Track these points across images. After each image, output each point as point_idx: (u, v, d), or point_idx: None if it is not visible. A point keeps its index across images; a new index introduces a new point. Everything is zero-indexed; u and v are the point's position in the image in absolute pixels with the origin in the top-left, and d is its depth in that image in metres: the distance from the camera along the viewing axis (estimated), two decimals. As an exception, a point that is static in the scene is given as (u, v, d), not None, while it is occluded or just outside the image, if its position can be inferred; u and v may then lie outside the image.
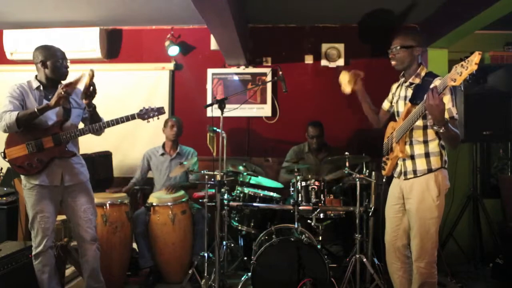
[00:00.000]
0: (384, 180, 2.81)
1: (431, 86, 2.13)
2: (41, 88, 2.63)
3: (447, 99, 2.23)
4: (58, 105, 2.50)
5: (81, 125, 2.81)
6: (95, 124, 2.66)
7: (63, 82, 2.61)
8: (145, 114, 2.74)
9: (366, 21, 4.19)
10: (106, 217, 3.17)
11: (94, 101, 2.66)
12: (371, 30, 4.30)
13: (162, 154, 3.84)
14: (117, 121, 2.66)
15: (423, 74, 2.37)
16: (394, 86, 2.64)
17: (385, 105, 2.69)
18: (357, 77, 2.67)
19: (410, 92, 2.41)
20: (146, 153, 3.90)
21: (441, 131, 2.14)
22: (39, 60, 2.60)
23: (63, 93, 2.44)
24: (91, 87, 2.53)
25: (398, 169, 2.49)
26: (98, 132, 2.69)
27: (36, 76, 2.67)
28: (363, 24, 4.28)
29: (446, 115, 2.21)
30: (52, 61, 2.59)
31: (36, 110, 2.46)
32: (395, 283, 2.57)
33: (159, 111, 2.78)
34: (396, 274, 2.54)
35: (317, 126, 3.86)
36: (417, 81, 2.37)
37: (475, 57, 1.80)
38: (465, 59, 1.85)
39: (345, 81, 2.67)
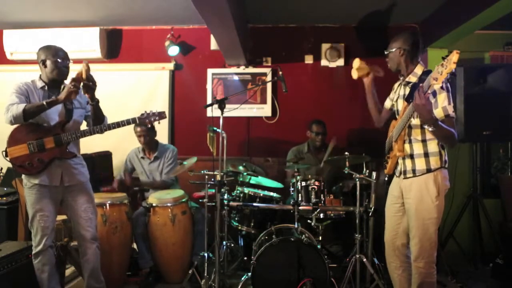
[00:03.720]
0: (386, 179, 2.80)
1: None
2: (46, 88, 2.64)
3: (442, 97, 2.24)
4: (68, 99, 2.51)
5: (83, 126, 2.82)
6: (96, 126, 2.66)
7: (66, 82, 2.61)
8: (146, 119, 2.74)
9: (365, 21, 4.20)
10: (106, 217, 3.17)
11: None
12: (371, 30, 4.30)
13: (143, 158, 3.81)
14: (118, 124, 2.66)
15: (419, 73, 2.38)
16: (396, 84, 2.65)
17: (387, 103, 2.71)
18: (373, 71, 2.73)
19: (407, 90, 2.42)
20: (129, 155, 3.87)
21: (430, 129, 2.17)
22: (40, 60, 2.61)
23: (72, 87, 2.45)
24: (89, 80, 2.51)
25: (398, 168, 2.50)
26: (99, 133, 2.69)
27: (40, 76, 2.68)
28: (362, 24, 4.29)
29: (442, 113, 2.23)
30: (52, 60, 2.59)
31: (45, 103, 2.47)
32: (395, 282, 2.58)
33: (160, 115, 2.78)
34: (395, 273, 2.54)
35: (321, 123, 3.89)
36: (414, 79, 2.38)
37: (453, 56, 1.85)
38: (445, 58, 1.90)
39: (356, 66, 2.74)
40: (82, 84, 2.51)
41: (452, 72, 1.89)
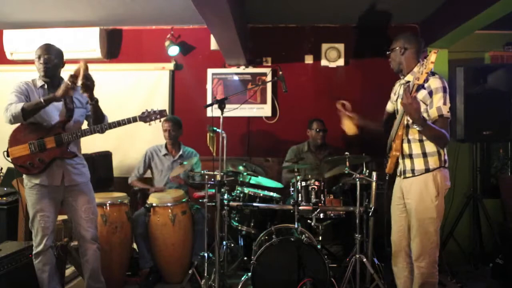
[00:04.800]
0: (386, 178, 2.80)
1: (426, 85, 2.23)
2: (45, 86, 2.64)
3: (438, 97, 2.25)
4: (65, 95, 2.50)
5: (84, 125, 2.81)
6: (97, 125, 2.66)
7: (65, 78, 2.60)
8: (147, 117, 2.73)
9: (365, 21, 4.20)
10: (106, 217, 3.17)
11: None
12: (370, 30, 4.30)
13: (165, 155, 3.83)
14: (118, 123, 2.66)
15: (416, 71, 2.38)
16: (396, 85, 2.66)
17: (389, 107, 2.72)
18: (349, 113, 2.74)
19: None
20: (148, 151, 3.89)
21: (418, 129, 2.20)
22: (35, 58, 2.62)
23: (70, 84, 2.44)
24: (86, 79, 2.49)
25: (399, 168, 2.50)
26: (99, 132, 2.69)
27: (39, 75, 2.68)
28: (362, 24, 4.29)
29: (435, 113, 2.25)
30: (36, 60, 2.60)
31: (42, 100, 2.46)
32: (400, 283, 2.56)
33: (161, 114, 2.77)
34: (402, 274, 2.53)
35: (321, 121, 3.90)
36: (411, 78, 2.38)
37: (431, 56, 1.94)
38: (425, 59, 1.98)
39: (350, 127, 2.77)
40: (80, 83, 2.50)
41: (431, 71, 1.98)
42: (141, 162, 3.88)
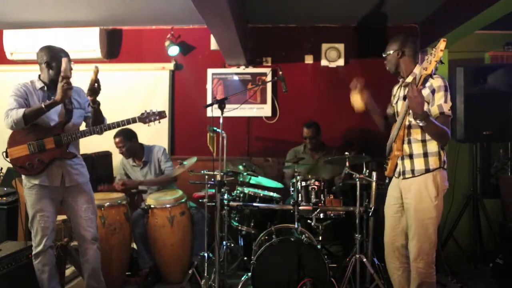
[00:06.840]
0: (387, 181, 2.80)
1: (427, 84, 2.23)
2: (45, 88, 2.63)
3: (439, 95, 2.26)
4: (66, 98, 2.49)
5: (82, 126, 2.81)
6: (96, 126, 2.66)
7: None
8: (146, 118, 2.73)
9: (365, 21, 4.20)
10: (104, 218, 3.16)
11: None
12: (371, 30, 4.31)
13: (134, 165, 3.78)
14: (118, 124, 2.66)
15: (417, 72, 2.38)
16: (395, 88, 2.66)
17: (390, 110, 2.71)
18: (361, 87, 2.69)
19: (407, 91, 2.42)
20: (122, 162, 3.84)
21: (421, 124, 2.19)
22: (44, 61, 2.58)
23: (65, 85, 2.42)
24: (96, 84, 2.51)
25: (397, 169, 2.50)
26: (98, 133, 2.69)
27: (39, 76, 2.66)
28: (362, 24, 4.29)
29: (437, 111, 2.25)
30: (58, 62, 2.57)
31: (43, 106, 2.45)
32: (394, 282, 2.58)
33: (160, 115, 2.77)
34: (395, 274, 2.54)
35: (310, 127, 3.87)
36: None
37: (441, 44, 1.93)
38: (433, 48, 1.97)
39: (358, 102, 2.71)
40: (89, 86, 2.51)
41: (440, 60, 1.96)
42: (120, 170, 3.85)
